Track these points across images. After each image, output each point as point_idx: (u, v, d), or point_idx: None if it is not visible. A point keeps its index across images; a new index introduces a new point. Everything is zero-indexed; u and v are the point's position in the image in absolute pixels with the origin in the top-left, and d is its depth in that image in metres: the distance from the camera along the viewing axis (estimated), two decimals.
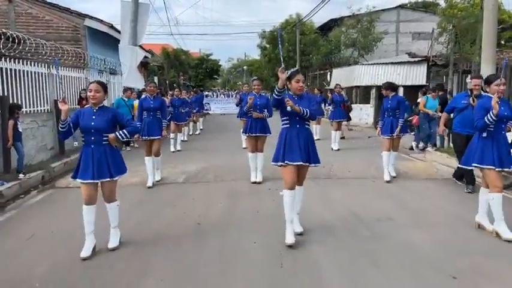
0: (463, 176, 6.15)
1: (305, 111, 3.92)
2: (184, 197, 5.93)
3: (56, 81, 8.83)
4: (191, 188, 6.45)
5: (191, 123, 14.26)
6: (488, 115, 4.02)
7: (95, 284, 3.29)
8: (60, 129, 3.83)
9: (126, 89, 10.69)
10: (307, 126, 4.07)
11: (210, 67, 43.16)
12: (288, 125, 4.04)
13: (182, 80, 34.11)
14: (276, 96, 3.91)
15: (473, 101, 5.43)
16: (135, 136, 6.29)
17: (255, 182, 6.55)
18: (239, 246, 3.97)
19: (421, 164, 8.07)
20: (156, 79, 24.94)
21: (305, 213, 4.48)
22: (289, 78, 4.03)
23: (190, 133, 13.90)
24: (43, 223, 4.86)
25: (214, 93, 27.59)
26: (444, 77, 16.51)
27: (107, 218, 3.98)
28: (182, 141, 11.18)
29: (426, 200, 5.61)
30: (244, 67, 44.33)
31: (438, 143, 9.60)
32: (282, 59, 4.31)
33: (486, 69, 7.45)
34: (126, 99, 10.38)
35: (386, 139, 6.75)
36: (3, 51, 7.37)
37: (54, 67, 8.60)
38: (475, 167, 4.26)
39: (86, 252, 3.73)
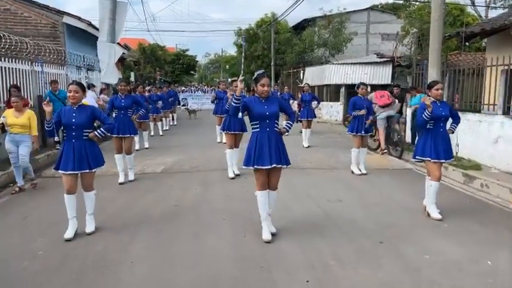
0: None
1: (290, 126, 4.35)
2: (163, 184, 6.61)
3: (39, 78, 9.29)
4: (169, 177, 7.14)
5: (164, 119, 14.30)
6: (425, 112, 4.80)
7: (85, 259, 3.95)
8: (47, 128, 4.23)
9: (52, 81, 9.65)
10: (276, 129, 4.17)
11: (187, 63, 43.51)
12: (258, 129, 4.13)
13: (159, 75, 34.38)
14: (234, 104, 4.05)
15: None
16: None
17: (233, 178, 6.87)
18: (210, 222, 4.72)
19: (376, 156, 9.00)
20: (132, 75, 25.22)
21: None
22: (255, 81, 4.14)
23: (165, 128, 14.21)
24: (33, 208, 5.46)
25: (192, 89, 28.05)
26: (407, 76, 17.63)
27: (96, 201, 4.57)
28: (151, 136, 11.44)
29: (373, 186, 6.49)
30: (227, 66, 44.35)
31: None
32: (242, 67, 4.82)
33: (432, 73, 8.42)
34: (56, 92, 9.41)
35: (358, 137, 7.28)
36: None
37: (38, 65, 9.07)
38: (418, 159, 5.09)
39: (69, 234, 4.22)
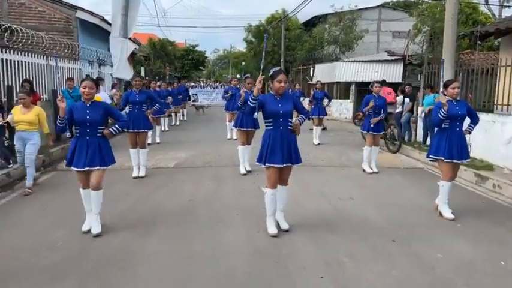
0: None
1: (303, 120, 4.28)
2: (175, 179, 6.69)
3: (53, 73, 9.41)
4: (182, 172, 7.21)
5: (173, 115, 14.45)
6: (440, 111, 4.76)
7: (102, 252, 4.03)
8: (59, 124, 4.13)
9: (68, 79, 9.62)
10: (289, 127, 4.18)
11: (196, 58, 43.56)
12: (271, 127, 4.15)
13: (168, 71, 34.53)
14: (251, 104, 4.00)
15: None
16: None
17: (244, 174, 6.91)
18: (223, 217, 4.79)
19: (387, 155, 9.00)
20: (142, 70, 25.37)
21: None
22: (271, 78, 4.14)
23: (172, 123, 14.27)
24: (50, 199, 5.57)
25: (201, 84, 28.12)
26: (419, 75, 17.52)
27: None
28: (162, 131, 11.45)
29: (384, 185, 6.51)
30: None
31: (406, 137, 10.54)
32: (262, 67, 4.58)
33: (446, 73, 8.37)
34: (71, 90, 9.26)
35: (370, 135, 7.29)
36: (7, 43, 7.92)
37: (52, 59, 9.18)
38: (431, 158, 5.04)
39: (86, 226, 4.28)
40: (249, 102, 4.03)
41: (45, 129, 6.06)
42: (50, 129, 6.39)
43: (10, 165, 6.73)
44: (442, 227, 4.59)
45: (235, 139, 9.88)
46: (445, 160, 4.85)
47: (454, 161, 4.86)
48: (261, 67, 4.58)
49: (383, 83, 12.62)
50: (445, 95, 5.02)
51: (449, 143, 4.83)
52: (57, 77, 9.03)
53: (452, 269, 3.52)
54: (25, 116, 5.86)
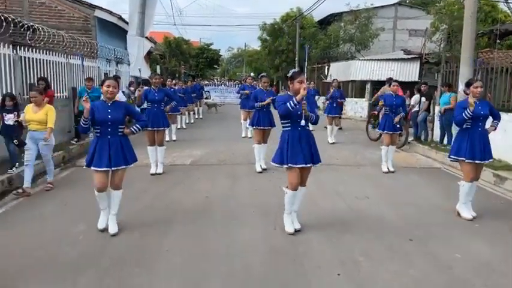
0: None
1: (312, 116, 4.15)
2: (192, 176, 6.78)
3: (73, 71, 9.61)
4: (197, 170, 7.30)
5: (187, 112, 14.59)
6: (466, 111, 4.69)
7: (122, 247, 4.13)
8: (83, 125, 4.07)
9: (88, 79, 9.41)
10: (307, 127, 4.20)
11: (211, 57, 43.75)
12: (289, 128, 4.15)
13: (183, 69, 34.78)
14: (291, 109, 3.98)
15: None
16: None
17: (260, 172, 6.95)
18: (240, 214, 4.84)
19: (403, 155, 8.94)
20: (158, 68, 25.63)
21: None
22: (291, 79, 4.12)
23: (187, 121, 14.39)
24: (70, 195, 5.72)
25: (215, 82, 28.26)
26: (436, 74, 17.29)
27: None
28: (178, 129, 11.51)
29: (400, 184, 6.48)
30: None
31: (423, 136, 10.43)
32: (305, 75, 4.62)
33: (464, 71, 8.28)
34: (89, 91, 8.96)
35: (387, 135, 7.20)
36: (29, 42, 8.12)
37: (78, 58, 9.40)
38: (452, 159, 4.96)
39: (101, 224, 4.27)
40: (289, 106, 3.96)
41: (50, 123, 5.75)
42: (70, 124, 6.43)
43: (11, 170, 6.37)
44: (459, 227, 4.57)
45: (250, 137, 9.94)
46: (466, 161, 4.78)
47: (476, 161, 4.78)
48: (305, 74, 4.52)
49: (390, 81, 12.55)
50: (467, 94, 4.98)
51: (471, 144, 4.75)
52: (83, 76, 9.26)
53: (470, 269, 3.50)
54: (36, 115, 5.70)
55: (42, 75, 8.41)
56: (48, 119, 5.73)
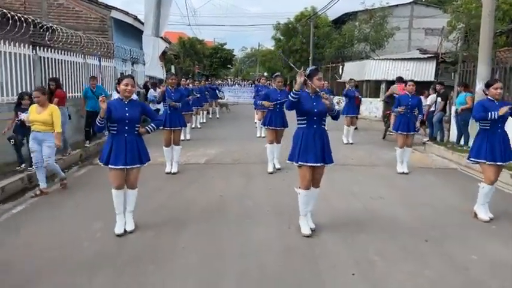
0: None
1: (334, 109, 4.09)
2: (206, 175, 6.84)
3: (89, 71, 9.77)
4: (212, 168, 7.36)
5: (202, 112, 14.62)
6: (493, 113, 4.59)
7: (138, 245, 4.20)
8: (99, 124, 4.09)
9: (92, 77, 9.32)
10: (323, 126, 4.15)
11: (224, 56, 43.88)
12: (304, 125, 4.12)
13: (197, 69, 35.00)
14: (292, 99, 4.02)
15: None
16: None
17: (271, 173, 6.90)
18: (254, 213, 4.88)
19: (419, 155, 8.85)
20: (172, 68, 25.85)
21: None
22: (309, 76, 4.11)
23: (202, 121, 14.50)
24: (89, 193, 5.84)
25: (229, 82, 28.38)
26: (452, 74, 17.04)
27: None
28: (192, 128, 11.61)
29: (415, 185, 6.42)
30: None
31: (438, 137, 10.30)
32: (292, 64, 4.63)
33: (482, 71, 8.16)
34: (94, 89, 8.98)
35: (402, 136, 7.04)
36: (48, 42, 8.29)
37: (96, 58, 9.55)
38: (472, 161, 4.86)
39: (119, 229, 4.21)
40: (290, 97, 4.04)
41: (57, 128, 5.65)
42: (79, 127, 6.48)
43: (31, 168, 6.28)
44: (476, 228, 4.51)
45: (264, 137, 9.95)
46: (487, 163, 4.69)
47: (498, 163, 4.68)
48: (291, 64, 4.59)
49: (400, 80, 12.44)
50: (486, 94, 4.91)
51: (491, 145, 4.67)
52: (100, 76, 9.38)
53: (486, 271, 3.47)
54: (40, 115, 5.56)
55: (60, 75, 8.59)
56: (54, 122, 5.61)
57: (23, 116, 5.93)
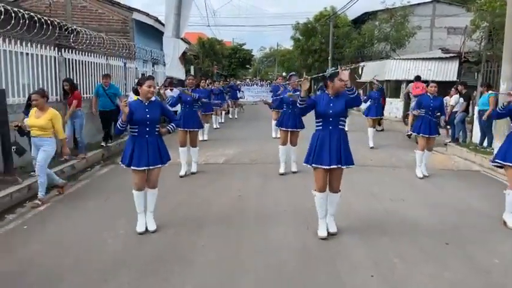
0: None
1: (354, 89, 3.97)
2: (225, 175, 6.92)
3: (112, 71, 9.97)
4: (230, 168, 7.43)
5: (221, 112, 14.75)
6: None
7: (159, 243, 4.28)
8: (120, 128, 4.16)
9: (105, 76, 9.08)
10: (341, 127, 4.08)
11: (243, 57, 44.05)
12: (320, 127, 4.10)
13: (216, 69, 35.22)
14: (300, 106, 4.03)
15: None
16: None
17: (283, 174, 6.86)
18: (272, 213, 4.91)
19: (440, 157, 8.70)
20: (192, 68, 26.08)
21: None
22: (329, 78, 4.12)
23: (221, 121, 14.56)
24: (111, 191, 5.97)
25: (248, 82, 28.44)
26: (476, 73, 16.66)
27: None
28: (214, 129, 11.74)
29: (436, 187, 6.32)
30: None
31: (460, 138, 10.10)
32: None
33: (506, 71, 7.97)
34: (106, 88, 8.82)
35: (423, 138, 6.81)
36: (73, 44, 8.51)
37: (121, 61, 9.74)
38: (497, 163, 4.67)
39: (141, 227, 4.29)
40: (298, 103, 4.06)
41: (60, 134, 5.42)
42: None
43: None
44: (498, 232, 4.43)
45: (279, 137, 9.92)
46: None
47: None
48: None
49: (417, 78, 12.19)
50: (510, 94, 4.80)
51: None
52: (123, 77, 9.57)
53: (509, 275, 3.41)
54: (38, 120, 5.26)
55: (84, 76, 8.78)
56: (56, 130, 5.34)
57: (25, 121, 5.65)
